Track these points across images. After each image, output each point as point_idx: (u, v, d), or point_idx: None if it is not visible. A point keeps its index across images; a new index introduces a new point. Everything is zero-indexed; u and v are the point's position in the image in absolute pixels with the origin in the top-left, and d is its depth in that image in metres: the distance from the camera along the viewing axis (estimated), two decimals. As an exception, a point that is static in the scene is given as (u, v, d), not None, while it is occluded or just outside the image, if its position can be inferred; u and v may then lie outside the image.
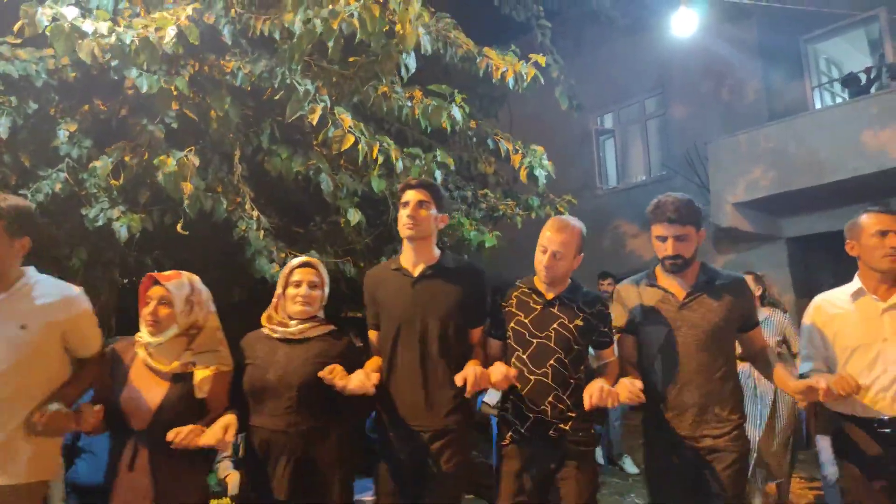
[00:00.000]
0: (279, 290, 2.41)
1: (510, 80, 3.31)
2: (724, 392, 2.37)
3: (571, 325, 2.36)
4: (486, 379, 2.16)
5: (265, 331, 2.40)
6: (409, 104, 3.39)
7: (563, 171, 9.68)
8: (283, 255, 3.63)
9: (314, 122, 3.12)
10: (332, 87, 3.34)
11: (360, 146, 3.19)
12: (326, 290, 2.45)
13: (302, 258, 2.47)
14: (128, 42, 2.94)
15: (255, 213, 3.60)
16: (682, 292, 2.41)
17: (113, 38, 2.91)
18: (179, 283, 2.21)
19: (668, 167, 9.37)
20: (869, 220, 2.37)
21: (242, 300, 4.82)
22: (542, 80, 3.54)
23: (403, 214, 2.39)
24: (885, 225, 2.32)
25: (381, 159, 3.30)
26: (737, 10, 7.53)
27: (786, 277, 7.68)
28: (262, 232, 3.57)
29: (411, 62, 3.14)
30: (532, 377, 2.34)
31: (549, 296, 2.41)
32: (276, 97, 3.24)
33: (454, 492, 2.39)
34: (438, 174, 3.40)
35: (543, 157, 4.15)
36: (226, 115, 3.27)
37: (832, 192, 6.87)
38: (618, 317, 2.51)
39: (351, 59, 3.57)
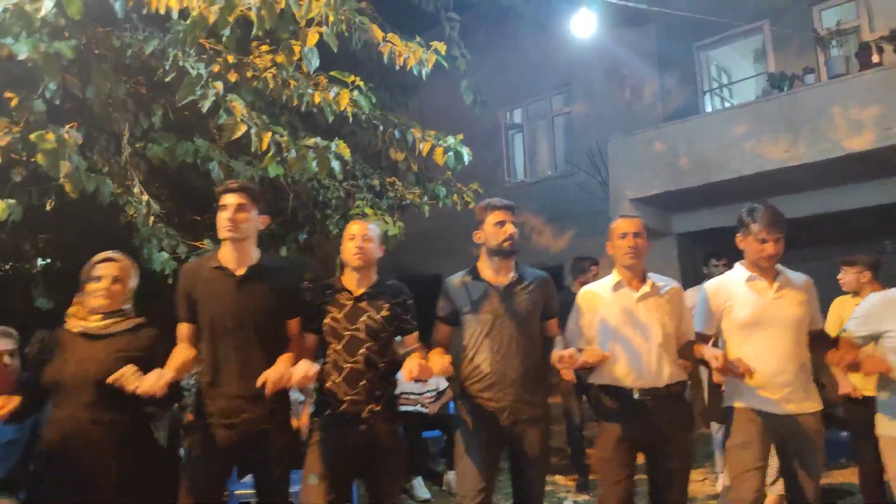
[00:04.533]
0: (81, 285, 2.48)
1: (413, 67, 3.33)
2: (539, 373, 2.77)
3: (378, 317, 2.67)
4: (289, 378, 2.32)
5: (68, 326, 2.45)
6: (311, 91, 3.33)
7: (472, 164, 9.82)
8: (175, 243, 3.49)
9: (204, 109, 3.02)
10: (228, 72, 3.23)
11: (251, 136, 3.13)
12: (132, 283, 2.55)
13: (104, 253, 2.52)
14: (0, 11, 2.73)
15: (145, 197, 3.43)
16: (504, 283, 2.76)
17: (-20, 9, 2.69)
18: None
19: (572, 163, 9.72)
20: (614, 225, 2.86)
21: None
22: (447, 65, 3.59)
23: (223, 217, 2.49)
24: (623, 228, 2.80)
25: (272, 149, 3.23)
26: (636, 15, 7.89)
27: (675, 271, 8.18)
28: (153, 218, 3.41)
29: (314, 58, 3.10)
30: (346, 365, 2.61)
31: (358, 292, 2.70)
32: (168, 79, 3.10)
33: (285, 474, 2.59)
34: (336, 164, 3.38)
35: (460, 142, 4.23)
36: (111, 93, 3.09)
37: (718, 191, 7.37)
38: (440, 308, 2.85)
39: (254, 45, 3.47)
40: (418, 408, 4.90)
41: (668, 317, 2.77)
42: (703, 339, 2.83)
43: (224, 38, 2.85)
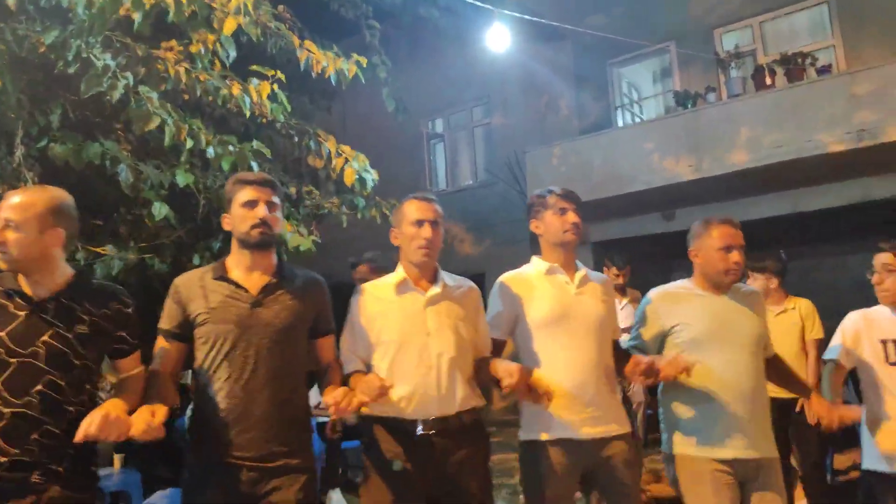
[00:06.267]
0: None
1: (332, 76, 3.27)
2: (299, 411, 2.08)
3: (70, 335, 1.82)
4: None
5: None
6: (225, 91, 3.22)
7: (394, 172, 9.88)
8: (73, 249, 3.27)
9: (114, 99, 2.84)
10: (137, 66, 3.05)
11: (166, 128, 2.94)
12: None
13: None
14: None
15: (41, 201, 3.18)
16: (257, 285, 2.05)
17: None
18: None
19: (491, 173, 9.90)
20: (405, 208, 2.27)
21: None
22: (364, 80, 3.55)
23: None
24: (418, 214, 2.21)
25: (190, 143, 3.06)
26: (552, 32, 8.16)
27: (591, 278, 8.47)
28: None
29: (231, 48, 2.99)
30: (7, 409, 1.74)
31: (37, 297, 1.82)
32: (72, 70, 2.91)
33: None
34: (255, 165, 3.27)
35: (367, 164, 4.17)
36: (3, 88, 2.87)
37: (630, 202, 7.72)
38: (167, 318, 2.05)
39: (163, 44, 3.33)
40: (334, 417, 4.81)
41: (463, 322, 2.20)
42: (496, 347, 2.34)
43: (136, 26, 2.67)
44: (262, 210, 2.02)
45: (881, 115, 5.94)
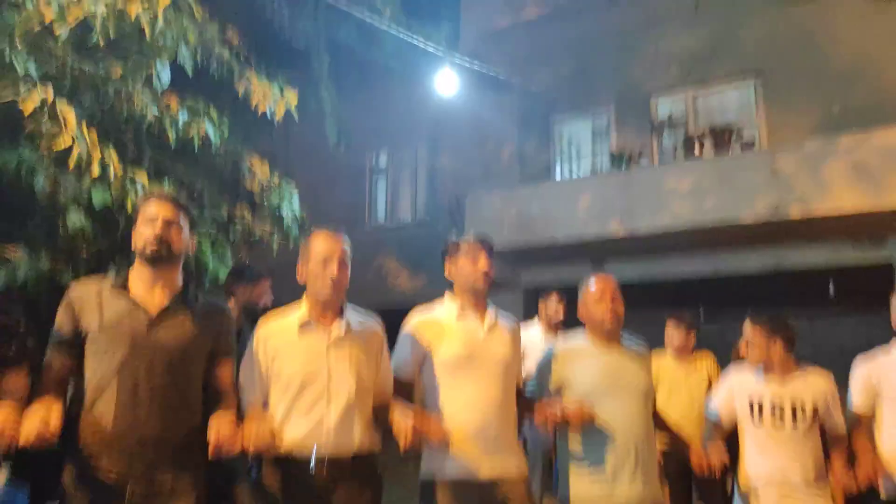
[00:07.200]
0: None
1: (267, 110, 3.27)
2: (192, 437, 2.01)
3: None
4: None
5: None
6: (156, 112, 3.15)
7: (335, 201, 9.86)
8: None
9: (27, 112, 2.73)
10: (61, 76, 2.96)
11: (74, 150, 2.85)
12: None
13: None
14: None
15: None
16: (157, 304, 2.03)
17: None
18: None
19: (431, 213, 9.99)
20: (312, 242, 2.23)
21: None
22: (297, 118, 3.56)
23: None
24: (325, 250, 2.18)
25: (98, 172, 2.98)
26: (500, 81, 8.42)
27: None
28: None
29: (165, 74, 2.94)
30: None
31: None
32: (-9, 73, 2.79)
33: None
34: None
35: (295, 196, 4.15)
36: None
37: (562, 251, 7.93)
38: (58, 328, 2.00)
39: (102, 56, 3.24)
40: None
41: (365, 366, 2.19)
42: (401, 388, 2.34)
43: (59, 39, 2.60)
44: (157, 226, 2.02)
45: (793, 191, 6.37)
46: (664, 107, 8.76)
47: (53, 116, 2.82)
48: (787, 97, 7.94)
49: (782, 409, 2.71)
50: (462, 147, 9.87)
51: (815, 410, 2.69)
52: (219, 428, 1.89)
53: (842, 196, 6.15)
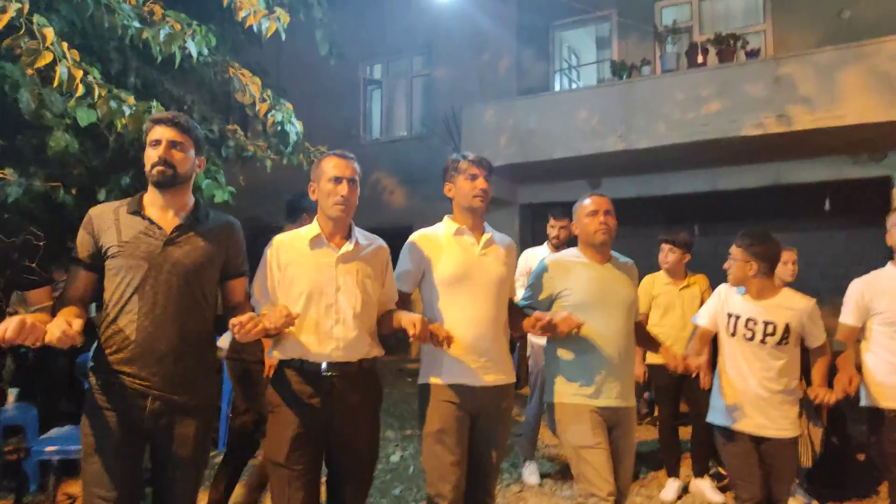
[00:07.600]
0: None
1: (254, 26, 3.12)
2: (204, 348, 2.17)
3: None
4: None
5: None
6: (138, 25, 3.00)
7: (328, 116, 9.64)
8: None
9: (0, 25, 2.61)
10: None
11: (58, 68, 2.74)
12: None
13: None
14: None
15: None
16: (171, 224, 2.14)
17: None
18: None
19: (427, 126, 9.80)
20: (326, 164, 2.32)
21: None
22: (284, 37, 3.41)
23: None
24: (335, 171, 2.28)
25: (82, 91, 2.88)
26: (499, -14, 8.03)
27: (515, 239, 8.64)
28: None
29: (148, -24, 2.78)
30: None
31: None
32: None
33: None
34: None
35: (292, 115, 4.03)
36: None
37: (559, 167, 7.85)
38: (80, 247, 2.10)
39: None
40: None
41: (371, 280, 2.33)
42: (402, 299, 2.49)
43: None
44: (161, 149, 2.08)
45: (799, 102, 6.23)
46: (669, 13, 8.42)
47: (31, 33, 2.69)
48: (796, 3, 7.62)
49: (755, 323, 2.79)
50: (460, 58, 9.56)
51: (788, 329, 2.75)
52: (239, 316, 1.99)
53: (849, 106, 6.02)
